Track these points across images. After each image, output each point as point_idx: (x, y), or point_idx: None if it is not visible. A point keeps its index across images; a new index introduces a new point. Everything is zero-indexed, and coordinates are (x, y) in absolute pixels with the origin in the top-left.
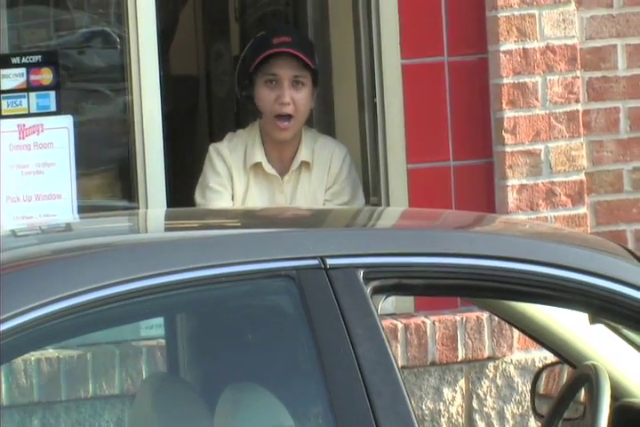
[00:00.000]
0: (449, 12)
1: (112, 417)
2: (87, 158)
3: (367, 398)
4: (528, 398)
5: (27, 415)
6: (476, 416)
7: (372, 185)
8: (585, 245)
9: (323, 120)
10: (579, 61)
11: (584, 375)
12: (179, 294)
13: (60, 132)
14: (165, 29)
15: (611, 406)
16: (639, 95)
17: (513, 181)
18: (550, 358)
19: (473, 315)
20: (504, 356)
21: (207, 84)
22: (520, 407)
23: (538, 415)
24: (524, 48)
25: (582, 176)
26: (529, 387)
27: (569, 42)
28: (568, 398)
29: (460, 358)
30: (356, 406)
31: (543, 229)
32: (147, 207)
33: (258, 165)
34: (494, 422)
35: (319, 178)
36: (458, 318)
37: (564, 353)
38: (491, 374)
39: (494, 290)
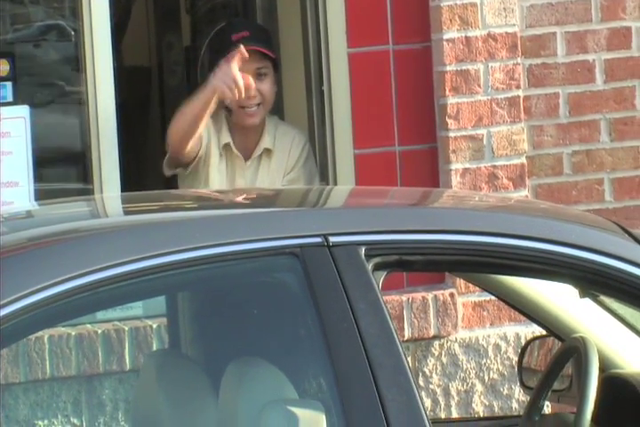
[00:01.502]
0: (393, 2)
1: (117, 394)
2: (43, 147)
3: (370, 371)
4: (472, 375)
5: (30, 391)
6: (422, 394)
7: (320, 170)
8: (577, 220)
9: (272, 106)
10: (519, 49)
11: (572, 348)
12: (186, 273)
13: (16, 121)
14: (118, 21)
15: (598, 377)
16: (578, 81)
17: (456, 165)
18: (494, 337)
19: (419, 295)
20: (449, 335)
21: (159, 74)
22: (465, 384)
23: (526, 388)
24: (466, 36)
25: (523, 160)
26: (473, 365)
27: (510, 30)
28: (556, 371)
29: (406, 337)
30: (359, 379)
31: (536, 206)
32: (101, 191)
33: (227, 146)
34: (440, 398)
35: (278, 164)
36: (404, 298)
37: (552, 327)
38: (436, 353)
39: (492, 265)
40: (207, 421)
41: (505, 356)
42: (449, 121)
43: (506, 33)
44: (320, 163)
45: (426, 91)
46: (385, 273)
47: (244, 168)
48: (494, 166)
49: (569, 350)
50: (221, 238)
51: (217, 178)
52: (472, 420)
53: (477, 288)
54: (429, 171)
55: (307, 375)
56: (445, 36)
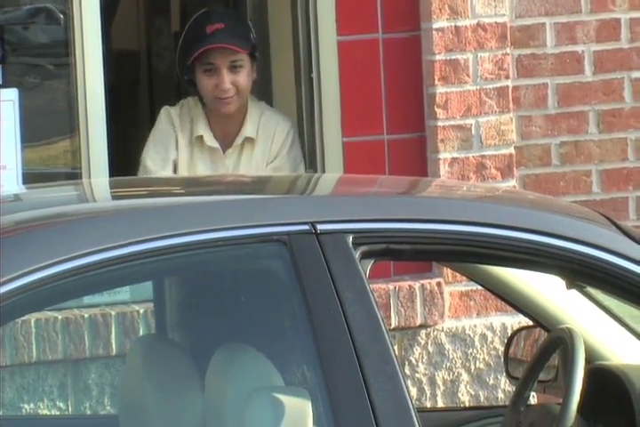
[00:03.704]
0: None
1: (103, 379)
2: (32, 130)
3: (356, 359)
4: (458, 364)
5: (23, 375)
6: (409, 382)
7: (308, 158)
8: (565, 212)
9: (261, 93)
10: (509, 39)
11: (559, 338)
12: (174, 258)
13: (5, 104)
14: (107, 5)
15: (584, 368)
16: (567, 72)
17: (444, 155)
18: (480, 326)
19: (405, 284)
20: (435, 324)
21: (148, 58)
22: (451, 374)
23: (512, 378)
24: (455, 26)
25: (511, 150)
26: (459, 354)
27: (499, 20)
28: (542, 361)
29: (392, 326)
30: (346, 367)
31: (524, 197)
32: (89, 176)
33: (200, 138)
34: (426, 387)
35: (261, 152)
36: (391, 286)
37: (538, 317)
38: (422, 342)
39: (480, 255)
40: (193, 407)
41: (491, 346)
42: (438, 110)
43: (495, 23)
44: (308, 151)
45: (415, 80)
46: (372, 262)
47: (224, 158)
48: (482, 156)
49: (555, 341)
50: (209, 224)
51: (192, 171)
52: (458, 409)
53: (464, 278)
54: (418, 160)
55: (293, 363)
56: (435, 26)
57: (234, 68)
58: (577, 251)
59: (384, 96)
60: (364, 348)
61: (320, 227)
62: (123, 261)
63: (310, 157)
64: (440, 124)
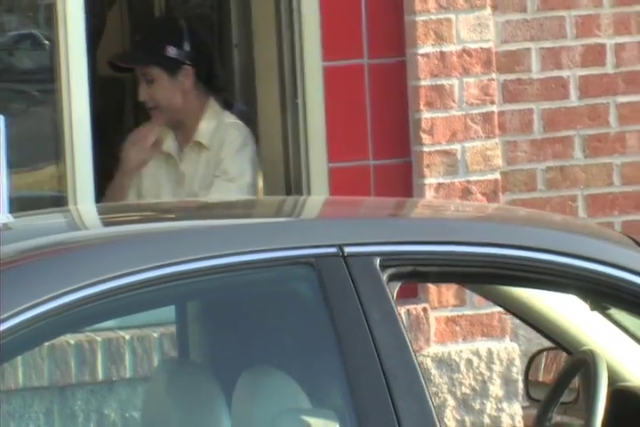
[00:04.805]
0: (369, 17)
1: (127, 403)
2: (18, 156)
3: (384, 381)
4: (444, 389)
5: (36, 399)
6: None
7: (294, 183)
8: (588, 232)
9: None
10: (494, 64)
11: (581, 360)
12: (201, 281)
13: None
14: (93, 31)
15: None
16: (552, 97)
17: (430, 180)
18: (466, 352)
19: None
20: (421, 349)
21: (134, 84)
22: (437, 399)
23: (532, 400)
24: (441, 51)
25: (497, 175)
26: (445, 379)
27: (484, 45)
28: (565, 383)
29: None
30: (374, 389)
31: (547, 218)
32: (75, 202)
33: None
34: None
35: (214, 156)
36: None
37: (559, 339)
38: None
39: (505, 277)
40: None
41: (477, 371)
42: (423, 136)
43: (481, 48)
44: (294, 176)
45: (400, 105)
46: (399, 284)
47: (177, 163)
48: (468, 181)
49: (577, 363)
50: (237, 248)
51: (145, 175)
52: None
53: (450, 303)
54: (403, 185)
55: (321, 385)
56: (420, 51)
57: (147, 82)
58: (602, 272)
59: (369, 121)
60: (391, 370)
61: (347, 249)
62: (151, 284)
63: (296, 182)
64: (426, 149)
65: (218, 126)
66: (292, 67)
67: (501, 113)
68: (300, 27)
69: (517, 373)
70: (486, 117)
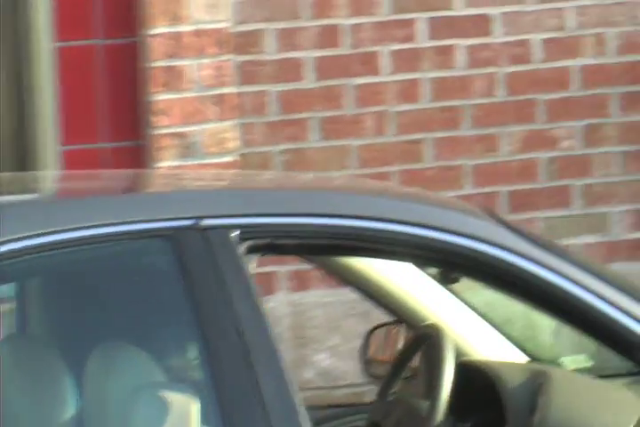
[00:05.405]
0: None
1: None
2: None
3: (242, 354)
4: None
5: None
6: None
7: (27, 167)
8: (443, 205)
9: None
10: (230, 45)
11: (424, 335)
12: (54, 255)
13: None
14: None
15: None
16: (288, 79)
17: (164, 163)
18: None
19: None
20: None
21: None
22: None
23: (372, 377)
24: (175, 31)
25: (234, 157)
26: None
27: (219, 25)
28: (407, 358)
29: None
30: (232, 363)
31: (400, 190)
32: None
33: None
34: None
35: None
36: None
37: (401, 313)
38: None
39: (361, 249)
40: (70, 408)
41: None
42: (157, 118)
43: (215, 29)
44: (24, 158)
45: (134, 87)
46: (257, 256)
47: None
48: (204, 165)
49: (421, 338)
50: (91, 220)
51: None
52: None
53: None
54: (138, 168)
55: (179, 360)
56: (154, 31)
57: None
58: (456, 243)
59: (103, 103)
60: (250, 342)
61: (205, 222)
62: (8, 257)
63: (29, 165)
64: (159, 131)
65: None
66: (25, 49)
67: (238, 95)
68: (32, 5)
69: None
70: (222, 99)
